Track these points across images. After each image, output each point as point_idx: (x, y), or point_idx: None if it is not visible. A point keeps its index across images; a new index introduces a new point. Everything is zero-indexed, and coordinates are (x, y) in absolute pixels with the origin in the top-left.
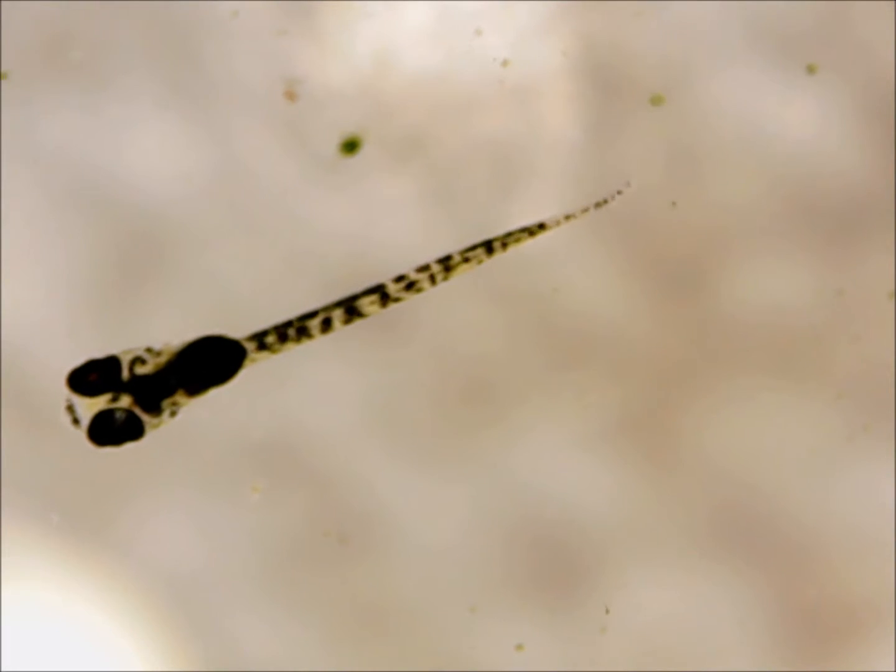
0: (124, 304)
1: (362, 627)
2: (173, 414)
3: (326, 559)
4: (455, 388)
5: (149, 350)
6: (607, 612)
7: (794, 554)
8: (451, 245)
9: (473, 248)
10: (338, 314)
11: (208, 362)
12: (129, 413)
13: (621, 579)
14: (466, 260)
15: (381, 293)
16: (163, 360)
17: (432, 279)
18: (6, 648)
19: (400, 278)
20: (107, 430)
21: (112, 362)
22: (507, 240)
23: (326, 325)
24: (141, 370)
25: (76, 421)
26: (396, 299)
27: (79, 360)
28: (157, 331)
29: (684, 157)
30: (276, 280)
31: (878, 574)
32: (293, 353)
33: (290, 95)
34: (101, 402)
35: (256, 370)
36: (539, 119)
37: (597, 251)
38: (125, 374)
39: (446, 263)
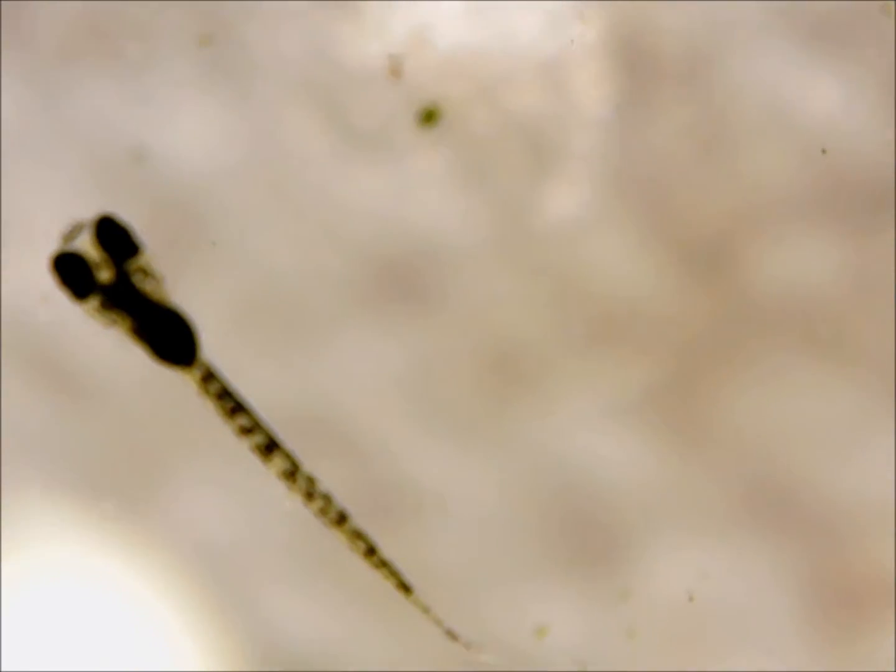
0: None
1: (397, 600)
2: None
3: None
4: (488, 360)
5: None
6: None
7: (826, 525)
8: (480, 222)
9: (360, 535)
10: (259, 436)
11: (165, 336)
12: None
13: (655, 549)
14: (356, 535)
15: (293, 466)
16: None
17: (322, 512)
18: (41, 609)
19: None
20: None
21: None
22: (381, 565)
23: (246, 430)
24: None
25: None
26: (291, 485)
27: (113, 341)
28: (193, 308)
29: (714, 133)
30: (305, 258)
31: None
32: (326, 324)
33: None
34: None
35: (291, 342)
36: (570, 97)
37: (628, 227)
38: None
39: (341, 517)
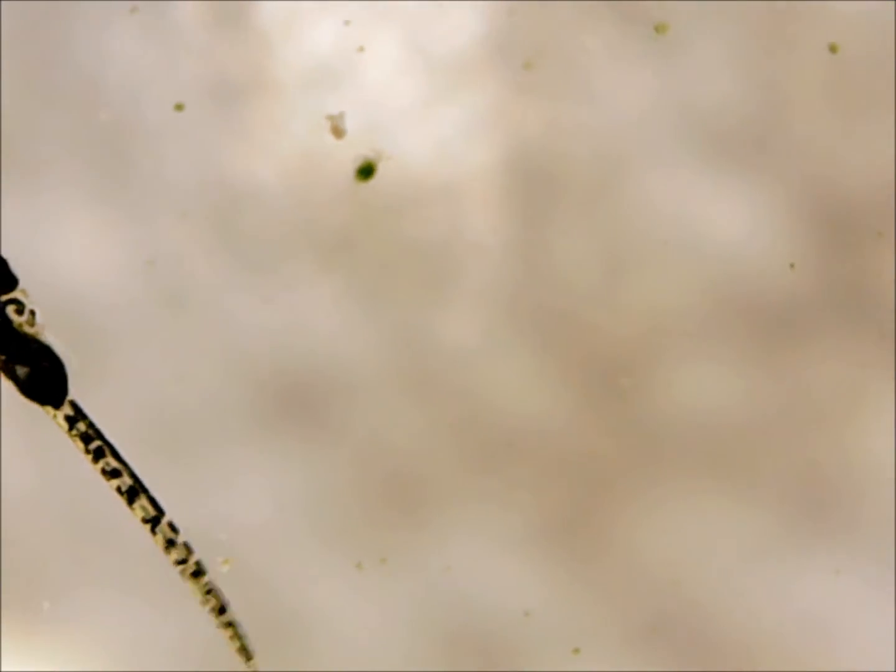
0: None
1: None
2: None
3: (258, 658)
4: (383, 489)
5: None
6: None
7: (725, 655)
8: (377, 346)
9: (213, 592)
10: (125, 479)
11: (35, 371)
12: None
13: None
14: (209, 591)
15: (157, 512)
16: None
17: (180, 563)
18: None
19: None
20: None
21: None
22: (227, 626)
23: (112, 473)
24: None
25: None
26: (153, 532)
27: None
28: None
29: (615, 257)
30: (202, 379)
31: None
32: (219, 448)
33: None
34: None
35: (183, 468)
36: (469, 220)
37: (527, 351)
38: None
39: (198, 570)
